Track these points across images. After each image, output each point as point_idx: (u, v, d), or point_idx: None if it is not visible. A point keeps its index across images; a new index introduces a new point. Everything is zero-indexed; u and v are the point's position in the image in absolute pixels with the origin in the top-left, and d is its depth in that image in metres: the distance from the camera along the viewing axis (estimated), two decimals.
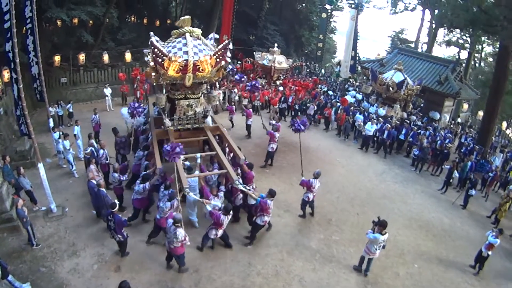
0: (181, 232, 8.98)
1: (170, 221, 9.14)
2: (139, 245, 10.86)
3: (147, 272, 9.86)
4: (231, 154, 13.52)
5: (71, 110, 20.14)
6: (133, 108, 14.17)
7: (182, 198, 11.09)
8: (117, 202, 10.12)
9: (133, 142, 15.24)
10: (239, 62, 33.21)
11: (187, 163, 12.24)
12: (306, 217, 13.05)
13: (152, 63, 12.66)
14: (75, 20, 24.12)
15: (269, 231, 12.03)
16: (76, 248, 10.59)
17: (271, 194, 10.94)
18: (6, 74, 15.67)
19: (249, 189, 11.41)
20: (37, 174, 12.02)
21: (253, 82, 21.48)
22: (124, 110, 16.17)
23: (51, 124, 15.86)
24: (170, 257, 9.78)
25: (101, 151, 13.59)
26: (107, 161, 13.79)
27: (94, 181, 11.36)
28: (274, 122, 17.27)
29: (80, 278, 9.55)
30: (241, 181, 11.46)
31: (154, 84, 14.77)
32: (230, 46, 12.99)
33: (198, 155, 12.39)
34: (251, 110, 19.94)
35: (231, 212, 10.21)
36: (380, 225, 10.01)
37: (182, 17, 13.00)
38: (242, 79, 21.68)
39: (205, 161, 13.17)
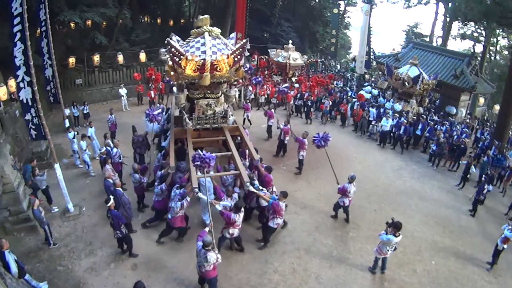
0: (212, 256, 8.15)
1: (200, 244, 8.30)
2: (155, 243, 10.92)
3: (163, 270, 9.91)
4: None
5: (86, 111, 20.22)
6: (152, 115, 14.17)
7: (197, 198, 11.08)
8: (111, 196, 10.03)
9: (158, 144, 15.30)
10: (253, 60, 33.21)
11: None
12: (337, 218, 12.84)
13: (170, 62, 12.67)
14: (89, 22, 24.39)
15: (284, 229, 11.95)
16: (93, 247, 10.70)
17: (284, 195, 10.75)
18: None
19: (262, 191, 11.12)
20: (54, 175, 12.12)
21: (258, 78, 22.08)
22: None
23: (67, 124, 16.02)
24: (203, 281, 9.03)
25: (115, 150, 13.72)
26: (120, 160, 13.91)
27: (110, 180, 11.46)
28: (282, 125, 16.71)
29: (97, 276, 9.65)
30: (256, 182, 11.28)
31: (173, 82, 14.68)
32: (248, 46, 12.65)
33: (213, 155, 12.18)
34: (273, 111, 19.52)
35: (242, 209, 9.90)
36: (395, 227, 9.67)
37: (200, 17, 12.74)
38: (259, 79, 22.09)
39: (223, 163, 13.14)
